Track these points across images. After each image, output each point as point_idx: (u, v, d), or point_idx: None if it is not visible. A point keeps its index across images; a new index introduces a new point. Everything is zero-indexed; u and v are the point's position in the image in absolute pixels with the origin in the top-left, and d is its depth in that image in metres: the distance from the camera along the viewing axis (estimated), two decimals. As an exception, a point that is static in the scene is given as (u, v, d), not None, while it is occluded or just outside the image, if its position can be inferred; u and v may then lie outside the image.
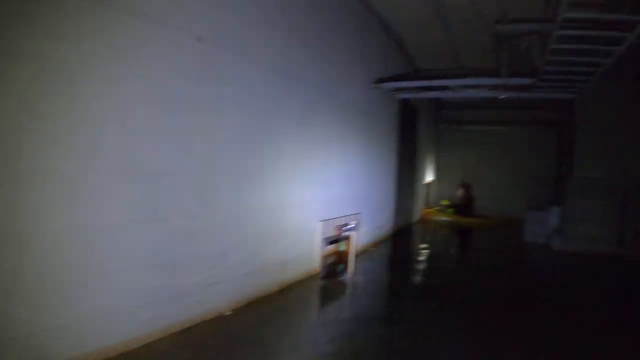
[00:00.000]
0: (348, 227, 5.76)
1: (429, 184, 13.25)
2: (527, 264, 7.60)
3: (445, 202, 12.71)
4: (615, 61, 5.04)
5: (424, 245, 8.63)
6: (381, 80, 7.21)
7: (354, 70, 6.42)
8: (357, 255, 5.95)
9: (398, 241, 8.48)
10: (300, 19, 4.72)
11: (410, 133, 10.27)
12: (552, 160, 11.24)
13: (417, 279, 5.92)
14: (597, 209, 7.56)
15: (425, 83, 7.39)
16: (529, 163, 12.82)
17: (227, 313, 3.61)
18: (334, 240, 5.47)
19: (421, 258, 7.25)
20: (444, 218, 12.02)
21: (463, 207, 12.23)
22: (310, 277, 5.05)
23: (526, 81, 6.27)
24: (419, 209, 11.90)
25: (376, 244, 7.52)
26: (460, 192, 12.59)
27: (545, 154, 11.90)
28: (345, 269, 5.43)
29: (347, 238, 5.66)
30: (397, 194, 9.11)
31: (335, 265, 5.45)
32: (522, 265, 7.39)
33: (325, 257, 5.32)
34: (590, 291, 5.50)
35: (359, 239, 6.17)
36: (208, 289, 3.43)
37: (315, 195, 5.22)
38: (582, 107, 7.76)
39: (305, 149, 4.96)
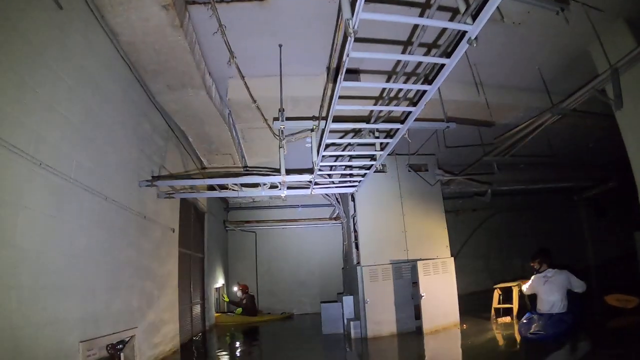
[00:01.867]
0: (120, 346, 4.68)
1: (219, 288, 12.46)
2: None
3: (225, 298, 12.38)
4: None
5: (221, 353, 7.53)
6: (156, 178, 6.43)
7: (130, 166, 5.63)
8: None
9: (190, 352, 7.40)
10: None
11: (197, 236, 9.68)
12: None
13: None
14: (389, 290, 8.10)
15: (206, 181, 6.88)
16: (320, 257, 13.72)
17: None
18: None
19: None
20: (233, 321, 11.50)
21: (247, 306, 11.91)
22: None
23: (305, 178, 6.41)
24: (211, 315, 10.87)
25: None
26: (238, 293, 12.37)
27: (334, 247, 12.65)
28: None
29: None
30: (182, 302, 7.96)
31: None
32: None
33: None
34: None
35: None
36: None
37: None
38: (360, 200, 8.62)
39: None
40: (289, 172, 6.35)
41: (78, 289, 4.18)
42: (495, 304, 8.48)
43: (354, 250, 8.72)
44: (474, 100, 7.58)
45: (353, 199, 8.73)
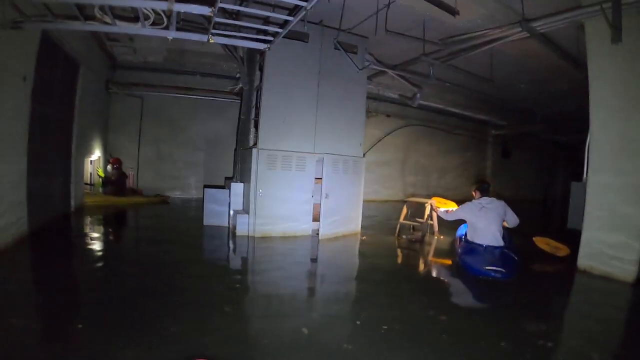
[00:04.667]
0: None
1: (94, 162, 10.39)
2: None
3: (100, 173, 10.36)
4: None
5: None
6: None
7: None
8: None
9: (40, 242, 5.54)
10: None
11: (65, 93, 7.58)
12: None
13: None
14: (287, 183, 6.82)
15: None
16: (212, 134, 12.00)
17: None
18: None
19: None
20: (98, 202, 9.52)
21: (115, 183, 10.04)
22: None
23: (203, 10, 4.40)
24: (79, 193, 8.88)
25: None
26: (108, 168, 10.35)
27: (230, 126, 11.03)
28: None
29: None
30: (30, 174, 5.87)
31: None
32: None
33: None
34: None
35: None
36: None
37: None
38: (270, 68, 6.81)
39: None
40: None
41: None
42: (402, 219, 7.67)
43: (252, 129, 7.14)
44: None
45: (261, 68, 6.93)
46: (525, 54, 8.73)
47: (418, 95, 8.84)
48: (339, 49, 7.29)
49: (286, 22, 4.79)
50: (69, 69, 7.74)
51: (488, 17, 6.97)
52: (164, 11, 4.63)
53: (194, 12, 4.49)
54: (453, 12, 6.64)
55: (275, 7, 6.51)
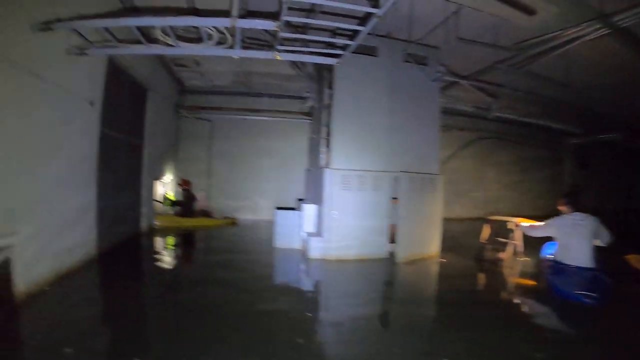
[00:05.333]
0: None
1: (167, 184, 10.64)
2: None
3: (170, 196, 10.40)
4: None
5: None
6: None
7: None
8: None
9: (107, 264, 5.59)
10: None
11: (135, 118, 7.80)
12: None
13: None
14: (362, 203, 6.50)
15: (122, 21, 4.48)
16: (283, 155, 11.92)
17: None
18: None
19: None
20: (171, 224, 9.60)
21: (183, 205, 10.14)
22: None
23: (268, 25, 4.26)
24: (150, 215, 9.11)
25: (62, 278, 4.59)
26: (180, 190, 10.51)
27: (300, 146, 10.93)
28: None
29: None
30: (103, 199, 6.11)
31: None
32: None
33: None
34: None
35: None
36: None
37: None
38: (340, 85, 6.62)
39: None
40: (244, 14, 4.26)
41: None
42: (483, 239, 7.08)
43: (324, 149, 6.90)
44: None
45: (330, 85, 6.76)
46: (603, 54, 7.87)
47: (494, 105, 8.27)
48: (409, 62, 6.98)
49: (355, 33, 4.56)
50: (138, 94, 7.99)
51: (561, 16, 6.35)
52: (227, 29, 4.59)
53: (258, 27, 4.39)
54: (529, 11, 6.08)
55: (343, 17, 6.33)
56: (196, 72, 9.98)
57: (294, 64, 6.87)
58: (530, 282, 5.58)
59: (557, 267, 4.80)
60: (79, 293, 4.34)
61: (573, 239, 4.65)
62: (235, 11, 4.22)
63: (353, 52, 5.12)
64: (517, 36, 7.03)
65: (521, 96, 9.93)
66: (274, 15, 4.29)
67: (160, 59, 8.85)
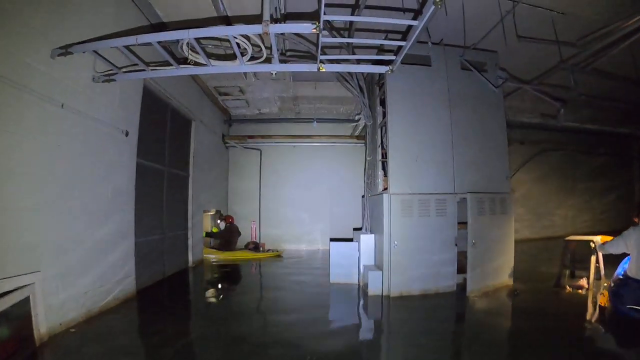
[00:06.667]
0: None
1: (214, 215, 10.45)
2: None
3: (214, 230, 10.20)
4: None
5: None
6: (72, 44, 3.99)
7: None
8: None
9: (137, 308, 5.17)
10: None
11: (179, 149, 7.73)
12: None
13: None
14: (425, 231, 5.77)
15: (144, 38, 3.95)
16: (336, 182, 11.43)
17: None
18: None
19: None
20: (210, 255, 9.36)
21: (223, 238, 9.84)
22: None
23: (305, 28, 3.63)
24: (198, 248, 8.77)
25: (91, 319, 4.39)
26: (221, 225, 10.14)
27: (354, 172, 10.56)
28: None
29: None
30: (143, 233, 5.91)
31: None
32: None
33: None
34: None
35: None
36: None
37: None
38: (394, 99, 5.97)
39: None
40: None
41: None
42: (561, 263, 6.17)
43: (380, 173, 6.24)
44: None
45: (383, 102, 6.14)
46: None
47: (562, 111, 7.37)
48: (467, 69, 6.28)
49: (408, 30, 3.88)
50: (181, 125, 7.80)
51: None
52: (262, 41, 4.16)
53: (294, 31, 3.84)
54: None
55: (394, 10, 5.69)
56: (242, 100, 9.73)
57: (341, 77, 6.29)
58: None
59: (622, 282, 4.43)
60: (104, 337, 3.96)
61: None
62: (267, 15, 3.67)
63: (405, 63, 4.49)
64: (577, 32, 6.38)
65: (585, 100, 8.97)
66: (312, 17, 3.69)
67: (204, 89, 8.67)
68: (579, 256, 6.21)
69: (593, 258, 5.66)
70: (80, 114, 4.27)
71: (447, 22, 6.15)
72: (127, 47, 4.13)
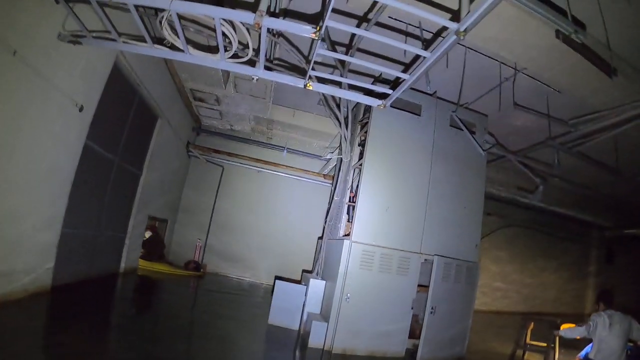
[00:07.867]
0: None
1: (163, 224, 9.68)
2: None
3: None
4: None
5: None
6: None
7: None
8: None
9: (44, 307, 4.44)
10: None
11: (137, 143, 7.13)
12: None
13: None
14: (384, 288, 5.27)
15: None
16: (295, 219, 10.76)
17: None
18: None
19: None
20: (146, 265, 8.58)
21: (151, 249, 8.97)
22: None
23: (304, 30, 3.17)
24: (134, 254, 7.97)
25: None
26: (146, 234, 9.19)
27: (314, 212, 9.96)
28: None
29: None
30: (73, 223, 5.16)
31: None
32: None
33: None
34: None
35: None
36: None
37: None
38: (375, 142, 5.60)
39: None
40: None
41: None
42: (528, 339, 6.29)
43: (345, 217, 5.78)
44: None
45: (362, 143, 5.78)
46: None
47: (541, 187, 7.24)
48: (457, 127, 6.04)
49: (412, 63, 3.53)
50: (144, 118, 7.20)
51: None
52: (250, 40, 3.78)
53: (290, 30, 3.37)
54: (609, 72, 5.12)
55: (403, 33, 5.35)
56: (216, 111, 9.13)
57: (326, 102, 5.92)
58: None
59: None
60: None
61: (609, 339, 4.45)
62: (263, 4, 3.19)
63: (393, 107, 4.16)
64: (570, 111, 6.36)
65: (558, 182, 9.00)
66: (314, 23, 3.28)
67: (179, 88, 8.00)
68: (535, 337, 6.31)
69: (553, 338, 5.89)
70: (33, 69, 3.67)
71: (444, 74, 5.95)
72: (102, 5, 3.61)
